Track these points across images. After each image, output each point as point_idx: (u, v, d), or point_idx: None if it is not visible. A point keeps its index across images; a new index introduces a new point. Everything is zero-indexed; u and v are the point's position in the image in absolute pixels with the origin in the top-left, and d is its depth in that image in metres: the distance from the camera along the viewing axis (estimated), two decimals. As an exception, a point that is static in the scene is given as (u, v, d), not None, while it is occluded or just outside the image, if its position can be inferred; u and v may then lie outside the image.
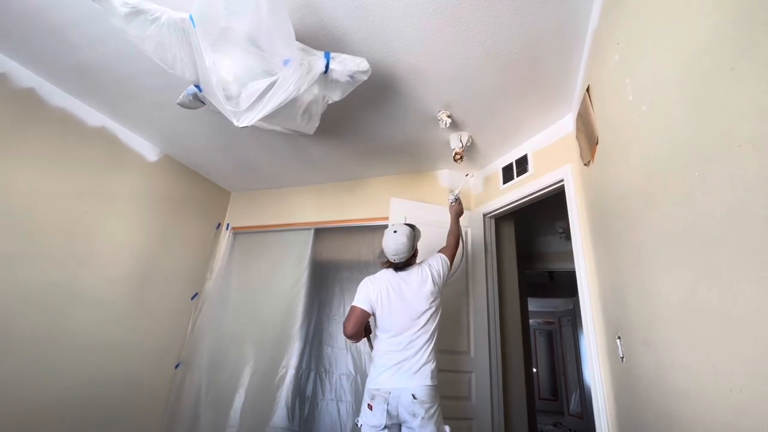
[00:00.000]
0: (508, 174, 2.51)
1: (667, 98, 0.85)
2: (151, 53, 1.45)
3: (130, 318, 2.57)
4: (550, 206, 2.59)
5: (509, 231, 3.10)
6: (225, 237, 3.39)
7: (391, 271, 1.81)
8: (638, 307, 1.12)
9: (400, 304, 1.69)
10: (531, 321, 6.17)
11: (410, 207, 2.61)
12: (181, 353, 2.95)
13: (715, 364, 0.70)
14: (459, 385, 2.26)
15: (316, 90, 1.61)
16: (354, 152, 2.69)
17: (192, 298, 3.09)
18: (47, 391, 2.09)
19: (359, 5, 1.51)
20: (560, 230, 3.93)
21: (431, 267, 1.81)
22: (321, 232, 3.14)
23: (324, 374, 2.70)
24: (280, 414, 2.63)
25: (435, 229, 2.57)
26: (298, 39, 1.46)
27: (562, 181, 2.09)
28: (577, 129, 1.86)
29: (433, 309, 1.72)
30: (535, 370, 7.06)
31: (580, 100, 1.76)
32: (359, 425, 1.60)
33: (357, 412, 2.51)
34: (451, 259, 1.90)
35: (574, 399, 6.41)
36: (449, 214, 2.16)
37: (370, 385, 1.64)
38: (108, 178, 2.47)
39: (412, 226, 1.85)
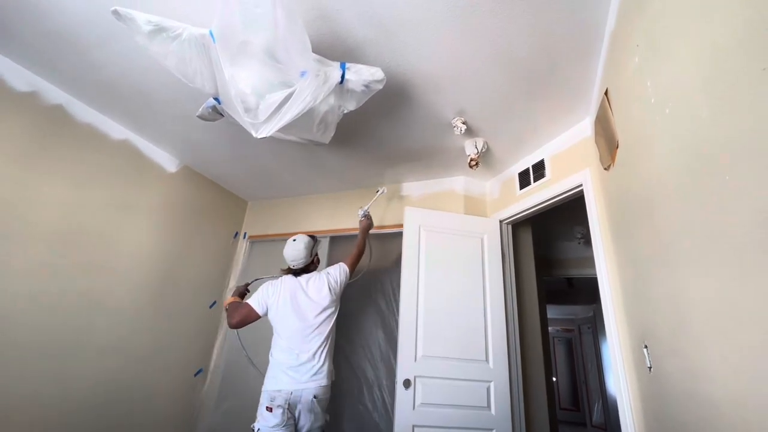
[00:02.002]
0: (524, 179, 2.48)
1: (693, 100, 0.83)
2: (173, 68, 1.49)
3: (150, 326, 2.62)
4: (568, 211, 2.55)
5: (527, 237, 3.06)
6: (242, 245, 3.44)
7: (290, 276, 1.95)
8: (666, 315, 1.08)
9: (295, 309, 1.81)
10: (550, 328, 6.03)
11: (425, 215, 2.60)
12: (201, 361, 2.99)
13: (753, 376, 0.67)
14: (477, 395, 2.22)
15: (331, 100, 1.63)
16: (369, 160, 2.70)
17: (210, 307, 3.13)
18: (70, 397, 2.13)
19: (373, 16, 1.53)
20: (579, 235, 3.86)
21: (329, 275, 1.98)
22: (336, 240, 3.15)
23: (342, 383, 2.69)
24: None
25: (450, 237, 2.55)
26: (314, 50, 1.49)
27: (580, 185, 2.05)
28: (596, 133, 1.83)
29: (328, 313, 1.86)
30: (555, 378, 6.88)
31: (598, 103, 1.73)
32: (257, 430, 1.63)
33: (377, 422, 2.49)
34: (352, 268, 2.10)
35: (596, 409, 6.22)
36: (358, 228, 2.36)
37: (270, 386, 1.69)
38: (130, 189, 2.54)
39: (313, 237, 2.04)
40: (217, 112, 1.85)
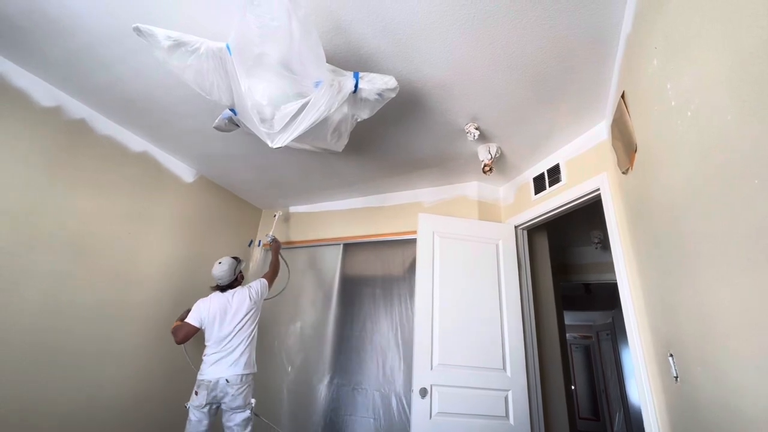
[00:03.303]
0: (539, 184, 2.45)
1: (717, 102, 0.81)
2: (191, 82, 1.53)
3: (167, 334, 2.66)
4: (584, 215, 2.51)
5: (542, 242, 3.02)
6: (258, 253, 3.47)
7: (218, 292, 2.36)
8: (693, 323, 1.05)
9: (222, 319, 2.23)
10: (567, 335, 5.91)
11: (439, 221, 2.59)
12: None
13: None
14: (495, 404, 2.18)
15: (345, 109, 1.64)
16: (382, 167, 2.71)
17: (226, 314, 3.16)
18: (90, 405, 2.17)
19: (386, 25, 1.54)
20: (596, 240, 3.78)
21: (251, 288, 2.39)
22: (350, 247, 3.16)
23: (355, 390, 2.68)
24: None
25: (465, 243, 2.53)
26: (328, 60, 1.51)
27: (598, 190, 2.02)
28: (613, 136, 1.80)
29: (249, 318, 2.28)
30: (573, 387, 6.72)
31: (614, 107, 1.71)
32: (188, 407, 2.12)
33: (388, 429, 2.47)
34: (270, 281, 2.56)
35: (618, 419, 6.03)
36: (271, 252, 2.86)
37: (199, 376, 2.16)
38: (149, 199, 2.60)
39: (236, 259, 2.45)
40: (233, 123, 1.88)
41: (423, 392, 2.14)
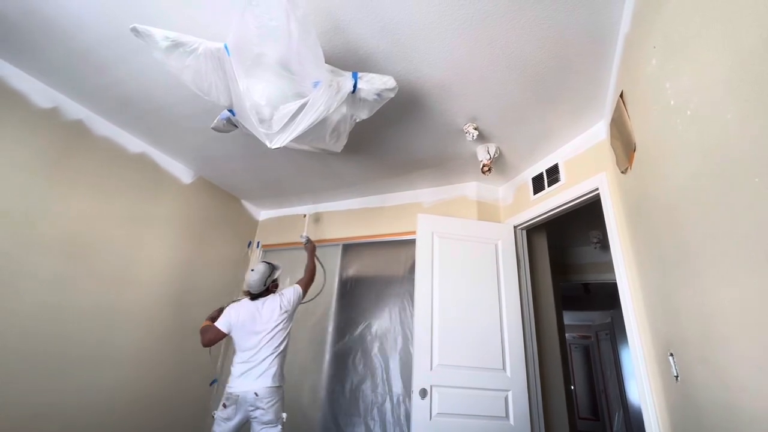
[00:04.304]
0: (538, 184, 2.45)
1: (717, 102, 0.81)
2: (189, 82, 1.52)
3: (166, 336, 2.65)
4: (583, 215, 2.51)
5: (541, 242, 3.02)
6: (256, 254, 3.47)
7: (248, 300, 2.23)
8: (693, 322, 1.05)
9: (251, 328, 2.11)
10: (567, 335, 5.91)
11: (438, 222, 2.59)
12: (216, 370, 3.00)
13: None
14: (495, 404, 2.18)
15: (344, 109, 1.64)
16: (381, 168, 2.71)
17: (225, 316, 3.15)
18: (89, 408, 2.16)
19: (385, 26, 1.54)
20: (595, 240, 3.78)
21: (283, 296, 2.25)
22: (349, 248, 3.15)
23: (355, 392, 2.67)
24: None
25: (464, 243, 2.53)
26: (327, 61, 1.50)
27: (596, 189, 2.02)
28: (612, 136, 1.80)
29: (279, 329, 2.14)
30: (572, 387, 6.72)
31: (613, 106, 1.71)
32: (214, 416, 2.06)
33: None
34: (305, 288, 2.35)
35: (617, 419, 6.03)
36: (306, 253, 2.65)
37: (227, 388, 2.06)
38: (147, 200, 2.59)
39: (272, 266, 2.31)
40: (231, 124, 1.88)
41: (423, 393, 2.14)
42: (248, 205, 3.55)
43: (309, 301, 2.60)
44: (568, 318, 6.61)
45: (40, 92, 2.06)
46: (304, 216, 3.22)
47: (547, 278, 2.92)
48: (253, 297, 2.24)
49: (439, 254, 2.47)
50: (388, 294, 2.88)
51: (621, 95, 1.55)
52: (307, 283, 2.41)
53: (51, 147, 2.09)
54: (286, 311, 2.21)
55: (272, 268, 2.31)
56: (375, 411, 2.57)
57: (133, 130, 2.46)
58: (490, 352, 2.28)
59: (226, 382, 2.10)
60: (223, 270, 3.18)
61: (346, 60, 1.69)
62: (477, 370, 2.24)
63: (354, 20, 1.52)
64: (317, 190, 3.16)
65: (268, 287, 2.27)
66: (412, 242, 2.62)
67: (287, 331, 2.20)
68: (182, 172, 2.88)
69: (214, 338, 2.12)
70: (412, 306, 2.55)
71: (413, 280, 2.47)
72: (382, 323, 2.83)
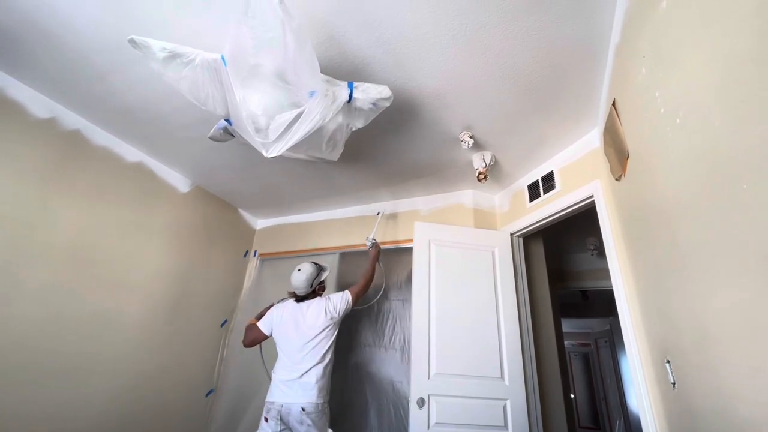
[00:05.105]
0: (534, 191, 2.46)
1: (705, 109, 0.83)
2: (186, 92, 1.53)
3: (162, 346, 2.62)
4: (580, 222, 2.52)
5: (538, 249, 3.03)
6: (253, 264, 3.45)
7: (293, 301, 2.12)
8: (688, 329, 1.05)
9: (294, 331, 1.99)
10: (565, 343, 5.89)
11: (434, 229, 2.60)
12: (212, 381, 2.97)
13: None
14: (493, 413, 2.16)
15: (340, 118, 1.65)
16: (378, 176, 2.72)
17: (222, 325, 3.13)
18: (84, 417, 2.13)
19: (380, 36, 1.56)
20: (591, 247, 3.80)
21: (329, 301, 2.10)
22: (347, 256, 3.15)
23: (352, 402, 2.65)
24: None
25: (461, 251, 2.54)
26: (323, 71, 1.52)
27: (591, 196, 2.04)
28: (605, 143, 1.82)
29: (323, 337, 1.99)
30: (573, 396, 6.67)
31: (606, 114, 1.73)
32: None
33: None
34: (356, 297, 2.19)
35: (618, 427, 5.98)
36: (369, 257, 2.47)
37: (267, 398, 1.92)
38: (144, 210, 2.59)
39: (318, 266, 2.17)
40: (228, 133, 1.89)
41: (421, 402, 2.12)
42: (245, 214, 3.55)
43: (364, 307, 2.43)
44: (567, 326, 6.60)
45: (37, 102, 2.07)
46: (377, 214, 2.80)
47: (544, 285, 2.93)
48: (299, 299, 2.12)
49: (436, 262, 2.47)
50: (385, 302, 2.86)
51: (613, 103, 1.57)
52: (360, 290, 2.22)
53: (48, 157, 2.09)
54: (331, 317, 2.03)
55: (319, 269, 2.17)
56: (374, 421, 2.54)
57: (131, 139, 2.47)
58: (488, 360, 2.27)
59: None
60: (220, 279, 3.16)
61: (341, 70, 1.71)
62: (475, 378, 2.22)
63: (350, 31, 1.54)
64: (314, 198, 3.16)
65: (315, 290, 2.14)
66: (409, 250, 2.62)
67: (332, 340, 2.02)
68: (179, 181, 2.88)
69: (254, 339, 2.01)
70: (410, 314, 2.54)
71: (410, 287, 2.47)
72: (378, 332, 2.81)
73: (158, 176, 2.72)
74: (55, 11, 1.57)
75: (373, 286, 2.38)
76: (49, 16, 1.59)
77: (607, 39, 1.54)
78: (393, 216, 2.98)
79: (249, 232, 3.58)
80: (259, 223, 3.69)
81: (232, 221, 3.37)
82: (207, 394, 2.91)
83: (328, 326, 2.02)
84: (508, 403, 2.19)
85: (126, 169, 2.50)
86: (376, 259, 2.43)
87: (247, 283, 3.37)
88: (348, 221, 3.23)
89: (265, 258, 3.46)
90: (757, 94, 0.66)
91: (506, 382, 2.24)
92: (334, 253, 3.15)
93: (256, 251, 3.52)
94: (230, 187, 3.04)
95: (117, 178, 2.44)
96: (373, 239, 2.57)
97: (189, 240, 2.91)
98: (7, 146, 1.93)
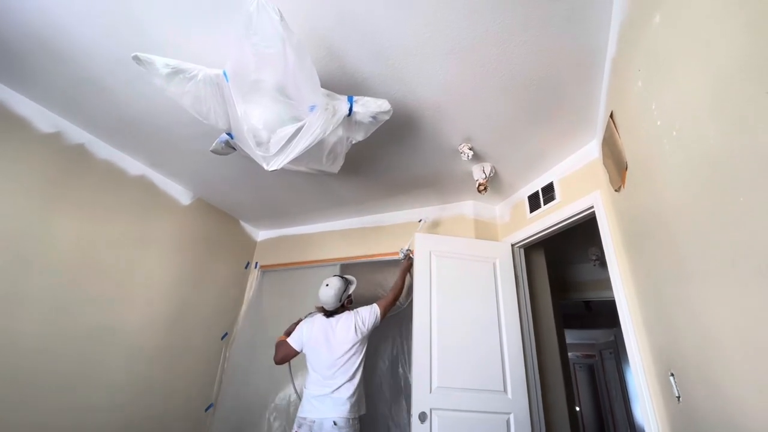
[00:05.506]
0: (534, 202, 2.47)
1: (700, 122, 0.83)
2: (188, 107, 1.56)
3: (162, 359, 2.61)
4: (581, 232, 2.52)
5: (540, 260, 3.02)
6: (253, 275, 3.45)
7: (322, 316, 2.12)
8: (692, 342, 1.04)
9: (325, 347, 1.99)
10: (570, 354, 5.80)
11: (435, 241, 2.59)
12: (212, 395, 2.94)
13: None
14: (496, 428, 2.12)
15: (340, 132, 1.67)
16: (378, 188, 2.73)
17: (222, 338, 3.11)
18: (83, 430, 2.11)
19: (380, 51, 1.59)
20: (593, 257, 3.78)
21: (358, 315, 2.11)
22: (347, 268, 3.14)
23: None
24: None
25: (462, 262, 2.53)
26: (323, 85, 1.54)
27: (591, 207, 2.04)
28: (604, 155, 1.83)
29: (353, 352, 2.00)
30: (578, 408, 6.56)
31: (604, 126, 1.74)
32: None
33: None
34: (384, 311, 2.19)
35: (625, 441, 5.86)
36: (399, 270, 2.44)
37: (299, 413, 1.92)
38: (145, 222, 2.60)
39: (345, 280, 2.15)
40: (229, 147, 1.91)
41: (422, 417, 2.09)
42: (246, 226, 3.56)
43: (391, 315, 2.38)
44: (571, 337, 6.52)
45: (43, 117, 2.10)
46: (420, 221, 2.66)
47: (546, 296, 2.90)
48: (327, 314, 2.12)
49: (437, 273, 2.46)
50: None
51: (611, 115, 1.58)
52: (388, 304, 2.21)
53: (52, 171, 2.11)
54: (360, 332, 2.04)
55: (347, 282, 2.17)
56: (374, 436, 2.50)
57: (134, 152, 2.49)
58: (491, 373, 2.24)
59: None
60: (221, 291, 3.16)
61: (342, 84, 1.73)
62: (477, 392, 2.19)
63: (349, 47, 1.57)
64: (315, 210, 3.17)
65: (343, 303, 2.15)
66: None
67: (362, 355, 2.04)
68: (181, 194, 2.90)
69: (285, 356, 2.00)
70: (411, 326, 2.52)
71: (411, 299, 2.45)
72: (380, 344, 2.78)
73: (160, 189, 2.74)
74: (64, 31, 1.61)
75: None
76: (59, 35, 1.63)
77: (603, 52, 1.56)
78: (435, 224, 2.86)
79: (250, 244, 3.58)
80: (260, 234, 3.69)
81: (233, 233, 3.38)
82: (206, 409, 2.88)
83: (358, 341, 2.03)
84: (512, 417, 2.16)
85: (128, 182, 2.52)
86: (407, 271, 2.40)
87: (247, 294, 3.36)
88: (348, 233, 3.23)
89: (266, 270, 3.46)
90: (748, 108, 0.66)
91: (509, 395, 2.20)
92: (335, 265, 3.14)
93: (257, 263, 3.51)
94: (231, 199, 3.05)
95: (119, 191, 2.46)
96: (407, 250, 2.50)
97: (190, 252, 2.91)
98: (10, 161, 1.95)
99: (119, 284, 2.40)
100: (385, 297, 2.23)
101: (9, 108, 1.97)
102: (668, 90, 0.98)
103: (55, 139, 2.15)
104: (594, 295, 4.16)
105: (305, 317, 2.18)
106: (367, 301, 2.30)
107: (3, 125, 1.94)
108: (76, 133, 2.25)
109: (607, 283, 1.90)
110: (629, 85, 1.29)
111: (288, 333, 2.14)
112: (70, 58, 1.75)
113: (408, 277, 2.40)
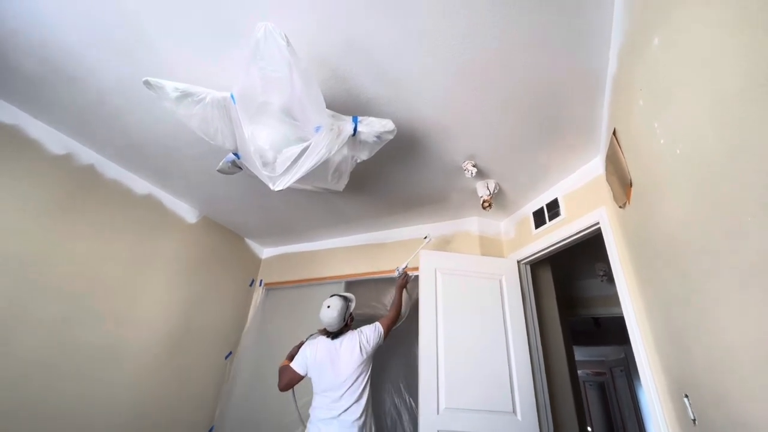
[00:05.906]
0: (539, 219, 2.46)
1: (702, 143, 0.84)
2: (196, 128, 1.59)
3: (164, 380, 2.58)
4: (587, 247, 2.49)
5: (547, 276, 2.99)
6: (258, 293, 3.44)
7: (325, 338, 2.09)
8: (704, 363, 1.02)
9: (330, 369, 1.96)
10: (579, 372, 5.68)
11: (441, 258, 2.58)
12: (214, 416, 2.89)
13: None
14: (507, 450, 2.07)
15: (345, 151, 1.69)
16: (382, 205, 2.74)
17: (226, 357, 3.08)
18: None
19: (383, 74, 1.62)
20: (601, 272, 3.74)
21: (362, 334, 2.09)
22: (352, 285, 3.12)
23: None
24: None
25: (468, 279, 2.51)
26: (328, 106, 1.57)
27: (597, 224, 2.03)
28: (608, 171, 1.83)
29: (359, 372, 1.97)
30: (590, 429, 6.37)
31: (607, 142, 1.75)
32: None
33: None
34: (387, 330, 2.17)
35: (640, 463, 5.66)
36: (395, 288, 2.40)
37: None
38: (152, 240, 2.62)
39: (345, 299, 2.14)
40: (236, 166, 1.93)
41: (430, 439, 2.04)
42: (252, 243, 3.57)
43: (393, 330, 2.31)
44: (580, 354, 6.39)
45: (54, 139, 2.15)
46: (425, 238, 2.58)
47: (554, 313, 2.87)
48: (331, 335, 2.09)
49: (442, 291, 2.44)
50: (391, 331, 2.81)
51: (614, 132, 1.59)
52: (390, 323, 2.19)
53: (61, 191, 2.15)
54: (365, 351, 2.02)
55: (347, 300, 2.15)
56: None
57: (141, 172, 2.53)
58: (499, 393, 2.20)
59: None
60: (226, 309, 3.15)
61: (347, 105, 1.77)
62: (486, 413, 2.14)
63: (354, 70, 1.61)
64: (320, 228, 3.18)
65: (347, 322, 2.12)
66: (415, 278, 2.60)
67: (368, 375, 2.02)
68: (187, 212, 2.92)
69: (290, 381, 1.96)
70: (417, 344, 2.49)
71: (417, 317, 2.43)
72: (385, 363, 2.74)
73: (167, 207, 2.77)
74: (83, 60, 1.67)
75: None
76: (75, 64, 1.69)
77: (604, 71, 1.58)
78: (443, 240, 2.85)
79: (255, 261, 3.58)
80: (265, 252, 3.70)
81: (238, 250, 3.39)
82: (209, 431, 2.83)
83: (363, 361, 2.01)
84: (522, 439, 2.10)
85: (136, 201, 2.55)
86: (403, 288, 2.38)
87: (252, 312, 3.34)
88: (353, 250, 3.23)
89: (271, 287, 3.45)
90: (750, 127, 0.67)
91: (518, 416, 2.15)
92: (340, 282, 3.13)
93: (261, 280, 3.51)
94: (237, 217, 3.08)
95: (127, 210, 2.49)
96: (403, 268, 2.48)
97: (195, 270, 2.92)
98: (21, 181, 1.99)
99: (125, 302, 2.40)
100: (387, 315, 2.24)
101: (22, 131, 2.02)
102: (670, 111, 0.99)
103: (65, 160, 2.19)
104: (603, 311, 4.09)
105: (307, 339, 2.16)
106: (371, 319, 2.28)
107: (15, 147, 1.98)
108: (86, 155, 2.30)
109: (615, 299, 1.88)
110: (631, 103, 1.31)
111: (291, 357, 2.11)
112: (84, 85, 1.81)
113: (405, 292, 2.40)
